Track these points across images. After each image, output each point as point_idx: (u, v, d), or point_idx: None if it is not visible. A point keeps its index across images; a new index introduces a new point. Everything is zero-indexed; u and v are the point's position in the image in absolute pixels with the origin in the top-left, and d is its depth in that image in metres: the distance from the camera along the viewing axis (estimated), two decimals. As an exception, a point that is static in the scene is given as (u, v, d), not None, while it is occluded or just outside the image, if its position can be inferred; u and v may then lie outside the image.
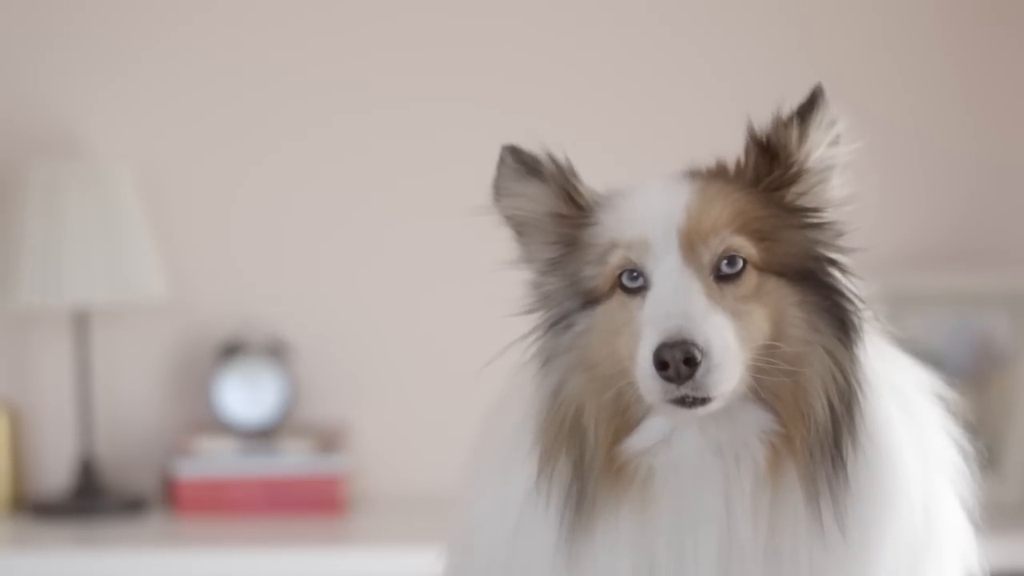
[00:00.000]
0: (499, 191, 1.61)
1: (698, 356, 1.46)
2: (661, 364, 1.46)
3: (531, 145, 1.61)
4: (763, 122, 1.57)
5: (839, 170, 1.58)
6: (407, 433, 3.53)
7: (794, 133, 1.56)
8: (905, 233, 3.46)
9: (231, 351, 3.44)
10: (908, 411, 1.57)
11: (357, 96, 3.52)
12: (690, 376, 1.46)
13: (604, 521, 1.53)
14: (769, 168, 1.56)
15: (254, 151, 3.53)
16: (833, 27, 3.52)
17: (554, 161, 1.59)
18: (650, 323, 1.49)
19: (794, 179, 1.56)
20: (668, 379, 1.46)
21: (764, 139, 1.57)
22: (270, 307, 3.51)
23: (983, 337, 3.41)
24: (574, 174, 1.60)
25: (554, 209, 1.59)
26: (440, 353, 3.50)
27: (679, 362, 1.46)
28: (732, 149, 1.59)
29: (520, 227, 1.61)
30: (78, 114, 3.49)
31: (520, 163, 1.59)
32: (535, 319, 1.60)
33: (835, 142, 1.57)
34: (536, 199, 1.59)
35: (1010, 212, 3.55)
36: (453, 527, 1.64)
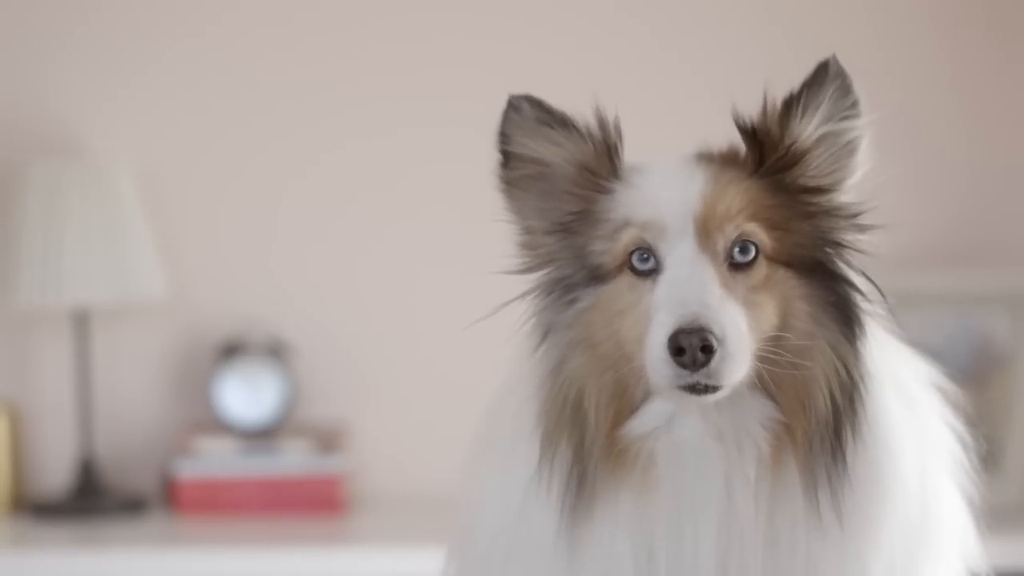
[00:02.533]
0: (513, 134, 1.56)
1: (715, 344, 1.45)
2: (677, 350, 1.45)
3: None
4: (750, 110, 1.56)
5: (857, 144, 1.56)
6: (407, 433, 3.53)
7: (775, 115, 1.54)
8: (905, 233, 3.44)
9: (231, 351, 3.43)
10: (908, 403, 1.57)
11: (358, 95, 3.51)
12: (705, 363, 1.46)
13: (604, 505, 1.52)
14: (761, 153, 1.55)
15: (254, 151, 3.52)
16: (829, 26, 3.51)
17: (600, 116, 1.57)
18: (664, 308, 1.48)
19: (792, 161, 1.54)
20: (683, 365, 1.46)
21: (749, 126, 1.55)
22: (270, 307, 3.51)
23: (983, 337, 3.41)
24: (620, 132, 1.57)
25: (585, 162, 1.56)
26: (440, 353, 3.50)
27: (696, 349, 1.45)
28: (727, 135, 1.58)
29: (531, 174, 1.57)
30: (78, 114, 3.48)
31: (544, 112, 1.56)
32: (532, 279, 1.57)
33: (838, 117, 1.55)
34: (565, 147, 1.56)
35: (1010, 212, 3.55)
36: (457, 511, 1.63)
